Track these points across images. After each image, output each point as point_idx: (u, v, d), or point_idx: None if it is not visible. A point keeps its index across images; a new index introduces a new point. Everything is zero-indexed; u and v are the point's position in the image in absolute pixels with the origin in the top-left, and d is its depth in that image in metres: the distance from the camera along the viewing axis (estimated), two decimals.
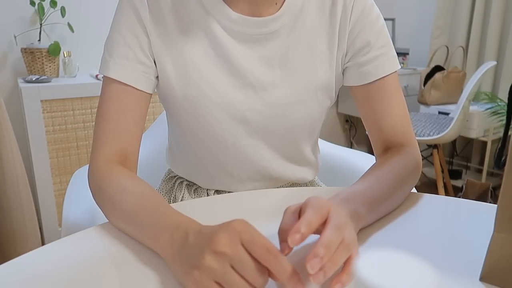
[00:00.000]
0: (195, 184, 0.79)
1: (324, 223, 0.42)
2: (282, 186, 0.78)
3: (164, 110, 0.80)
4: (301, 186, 0.80)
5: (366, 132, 0.71)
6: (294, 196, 0.66)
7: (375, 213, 0.55)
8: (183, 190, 0.78)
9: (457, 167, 2.83)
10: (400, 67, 0.69)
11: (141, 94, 0.64)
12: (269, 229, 0.55)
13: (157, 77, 0.66)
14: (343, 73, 0.70)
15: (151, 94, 0.66)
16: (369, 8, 0.66)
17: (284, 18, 0.65)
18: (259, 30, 0.64)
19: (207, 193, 0.77)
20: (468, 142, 2.73)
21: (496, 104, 2.28)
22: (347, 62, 0.68)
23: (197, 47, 0.64)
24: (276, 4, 0.65)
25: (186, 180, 0.80)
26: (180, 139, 0.74)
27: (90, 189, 0.60)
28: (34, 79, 1.73)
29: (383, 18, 0.68)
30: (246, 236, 0.38)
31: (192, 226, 0.44)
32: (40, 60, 1.82)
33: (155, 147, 1.00)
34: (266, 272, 0.38)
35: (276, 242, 0.51)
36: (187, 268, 0.40)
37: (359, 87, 0.68)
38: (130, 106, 0.63)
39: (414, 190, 0.84)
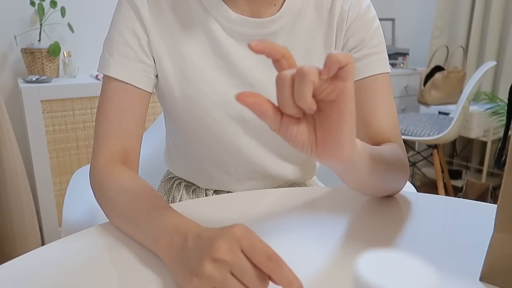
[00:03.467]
0: (193, 184, 0.79)
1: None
2: (281, 186, 0.78)
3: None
4: (300, 186, 0.80)
5: None
6: (293, 196, 0.66)
7: (368, 167, 0.50)
8: (181, 191, 0.78)
9: (457, 167, 2.83)
10: (390, 70, 0.69)
11: (142, 92, 0.64)
12: (268, 229, 0.55)
13: (157, 75, 0.66)
14: None
15: (151, 93, 0.66)
16: (365, 9, 0.67)
17: (283, 19, 0.65)
18: (258, 31, 0.64)
19: (206, 194, 0.77)
20: (468, 142, 2.73)
21: (496, 104, 2.28)
22: None
23: (197, 46, 0.64)
24: (275, 5, 0.65)
25: (185, 180, 0.80)
26: (178, 138, 0.75)
27: (92, 189, 0.60)
28: (34, 79, 1.73)
29: (378, 20, 0.69)
30: (246, 242, 0.38)
31: (191, 229, 0.44)
32: (40, 60, 1.82)
33: (155, 148, 1.00)
34: (267, 278, 0.38)
35: (276, 242, 0.51)
36: (187, 274, 0.39)
37: None
38: (131, 105, 0.63)
39: (414, 190, 0.84)
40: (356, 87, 0.67)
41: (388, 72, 0.68)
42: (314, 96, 0.37)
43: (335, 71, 0.36)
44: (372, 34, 0.67)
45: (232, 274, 0.37)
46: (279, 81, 0.37)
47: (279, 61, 0.38)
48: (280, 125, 0.39)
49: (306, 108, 0.37)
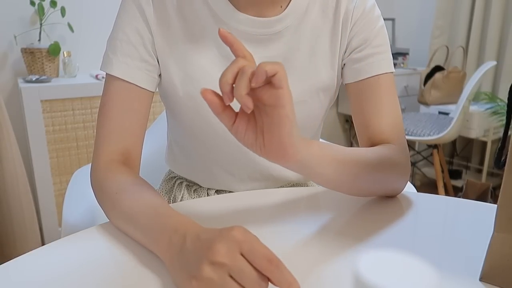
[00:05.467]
0: (195, 184, 0.79)
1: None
2: (282, 187, 0.78)
3: (165, 109, 0.80)
4: (301, 186, 0.80)
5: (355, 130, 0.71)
6: (294, 196, 0.66)
7: (335, 168, 0.53)
8: (182, 190, 0.78)
9: (457, 167, 2.83)
10: (394, 70, 0.68)
11: (145, 92, 0.64)
12: (269, 229, 0.55)
13: (160, 75, 0.66)
14: (342, 72, 0.70)
15: (154, 92, 0.66)
16: (370, 9, 0.67)
17: (289, 19, 0.65)
18: (263, 30, 0.64)
19: (207, 193, 0.77)
20: (468, 142, 2.74)
21: (496, 104, 2.28)
22: (344, 60, 0.69)
23: (201, 46, 0.64)
24: (281, 6, 0.65)
25: (186, 180, 0.80)
26: (181, 137, 0.74)
27: (92, 188, 0.60)
28: (34, 79, 1.73)
29: (383, 20, 0.68)
30: (246, 246, 0.38)
31: (190, 230, 0.43)
32: (40, 60, 1.82)
33: (156, 147, 1.00)
34: (266, 279, 0.38)
35: (276, 242, 0.51)
36: (186, 277, 0.39)
37: (353, 84, 0.68)
38: (133, 105, 0.63)
39: (414, 190, 0.84)
40: (359, 87, 0.67)
41: (392, 72, 0.68)
42: (256, 98, 0.43)
43: (263, 80, 0.40)
44: (376, 33, 0.67)
45: (231, 277, 0.37)
46: (233, 62, 0.42)
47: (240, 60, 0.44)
48: (233, 124, 0.45)
49: (242, 104, 0.41)
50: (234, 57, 0.65)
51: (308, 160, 0.49)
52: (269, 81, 0.41)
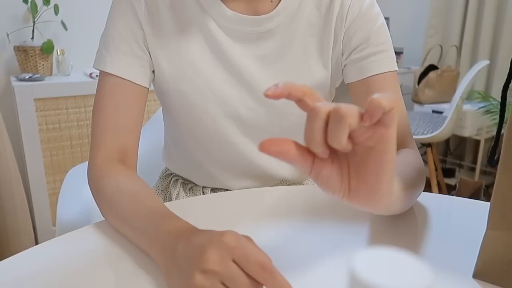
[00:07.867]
0: (190, 182, 0.79)
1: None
2: (279, 184, 0.78)
3: (160, 107, 0.80)
4: (297, 184, 0.80)
5: None
6: (292, 195, 0.66)
7: (402, 200, 0.47)
8: (178, 188, 0.78)
9: (451, 166, 2.84)
10: (397, 68, 0.67)
11: (139, 88, 0.63)
12: (266, 229, 0.55)
13: (154, 70, 0.66)
14: (342, 72, 0.69)
15: (148, 89, 0.66)
16: (368, 7, 0.65)
17: (280, 17, 0.64)
18: (254, 28, 0.64)
19: (203, 192, 0.77)
20: (461, 140, 2.75)
21: (489, 103, 2.30)
22: (344, 60, 0.67)
23: (193, 43, 0.64)
24: (271, 1, 0.64)
25: (182, 178, 0.80)
26: (175, 134, 0.74)
27: (89, 187, 0.60)
28: (27, 77, 1.72)
29: (383, 17, 0.67)
30: (238, 252, 0.37)
31: (182, 233, 0.43)
32: (33, 58, 1.81)
33: (151, 145, 1.00)
34: (260, 286, 0.37)
35: (272, 242, 0.51)
36: (178, 283, 0.39)
37: (355, 83, 0.67)
38: (128, 101, 0.62)
39: None
40: (362, 86, 0.66)
41: (395, 71, 0.66)
42: (350, 139, 0.34)
43: (378, 118, 0.32)
44: (377, 31, 0.65)
45: (224, 284, 0.36)
46: (311, 114, 0.34)
47: (302, 100, 0.35)
48: (312, 168, 0.36)
49: (340, 148, 0.35)
50: (225, 54, 0.65)
51: (392, 204, 0.43)
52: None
